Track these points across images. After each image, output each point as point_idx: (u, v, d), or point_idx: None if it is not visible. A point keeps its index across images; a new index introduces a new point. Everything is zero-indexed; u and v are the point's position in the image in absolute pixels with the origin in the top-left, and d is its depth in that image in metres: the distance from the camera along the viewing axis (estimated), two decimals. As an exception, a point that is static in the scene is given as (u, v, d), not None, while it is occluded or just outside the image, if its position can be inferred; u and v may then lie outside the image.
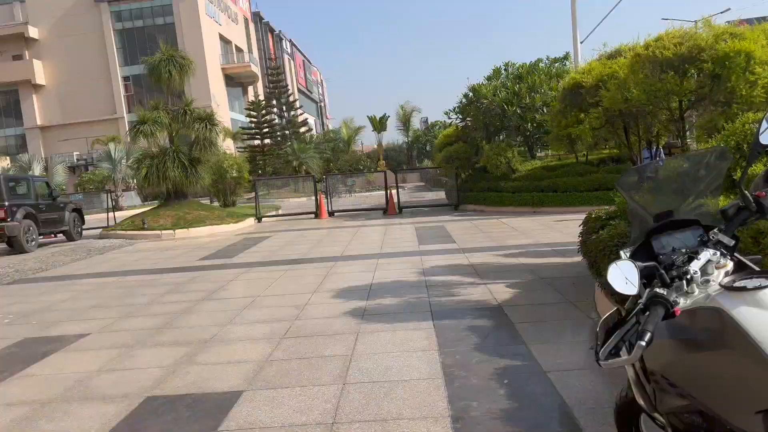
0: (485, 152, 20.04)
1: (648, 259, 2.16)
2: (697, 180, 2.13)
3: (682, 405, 1.81)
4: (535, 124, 20.05)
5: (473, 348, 5.10)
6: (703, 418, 1.77)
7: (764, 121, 1.90)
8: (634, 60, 6.17)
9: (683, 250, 1.92)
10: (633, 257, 2.16)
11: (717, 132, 6.24)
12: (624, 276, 1.68)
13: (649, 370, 1.90)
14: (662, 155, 11.30)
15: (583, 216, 7.34)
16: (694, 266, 1.82)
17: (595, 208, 7.31)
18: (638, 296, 2.02)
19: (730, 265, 1.95)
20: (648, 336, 1.56)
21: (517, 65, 21.84)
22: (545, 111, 19.98)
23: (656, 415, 2.05)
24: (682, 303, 1.71)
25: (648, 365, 1.81)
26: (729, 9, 22.10)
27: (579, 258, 9.04)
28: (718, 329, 1.59)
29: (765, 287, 1.55)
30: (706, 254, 1.89)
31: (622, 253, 2.31)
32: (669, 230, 2.14)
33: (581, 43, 26.77)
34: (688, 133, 6.44)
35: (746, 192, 1.90)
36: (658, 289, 1.68)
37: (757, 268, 1.92)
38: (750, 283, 1.59)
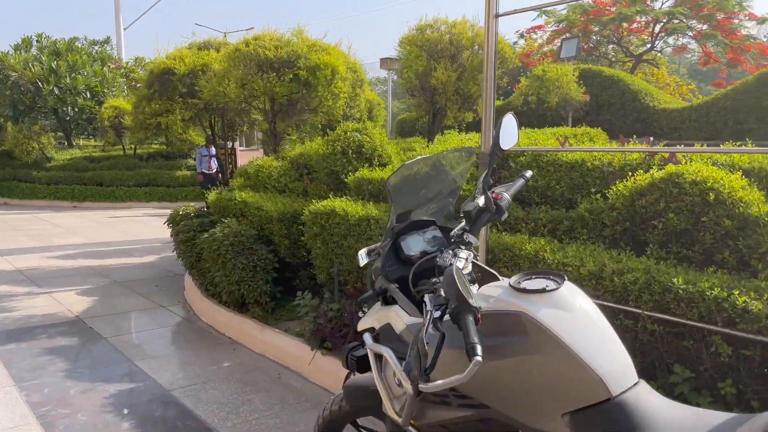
0: (11, 134, 16.85)
1: (396, 260, 2.03)
2: (440, 180, 2.10)
3: (460, 416, 1.72)
4: (76, 109, 17.92)
5: (65, 375, 4.07)
6: (484, 425, 1.72)
7: (501, 128, 1.99)
8: (234, 54, 6.06)
9: (449, 252, 1.85)
10: (385, 260, 2.00)
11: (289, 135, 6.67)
12: (466, 285, 1.47)
13: (431, 384, 1.74)
14: (213, 152, 11.61)
15: (133, 212, 6.87)
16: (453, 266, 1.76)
17: (182, 205, 6.90)
18: (420, 304, 1.86)
19: (470, 265, 1.97)
20: (479, 349, 1.39)
21: (54, 39, 19.14)
22: (89, 95, 18.12)
23: (411, 429, 1.92)
24: (484, 308, 1.62)
25: (421, 389, 1.64)
26: (252, 28, 24.64)
27: (152, 258, 8.47)
28: (522, 333, 1.55)
29: (558, 287, 1.58)
30: (464, 254, 1.85)
31: (360, 255, 2.11)
32: (412, 231, 2.05)
33: (125, 29, 25.51)
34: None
35: (489, 194, 1.95)
36: (468, 298, 1.54)
37: (487, 268, 2.00)
38: (545, 281, 1.61)
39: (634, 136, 3.89)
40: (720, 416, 1.40)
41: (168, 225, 6.61)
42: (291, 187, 5.50)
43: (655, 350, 2.66)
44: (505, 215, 2.03)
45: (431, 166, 2.05)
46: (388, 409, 1.92)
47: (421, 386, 1.50)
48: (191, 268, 5.78)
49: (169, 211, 7.08)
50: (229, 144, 9.89)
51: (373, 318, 2.09)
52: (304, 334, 4.26)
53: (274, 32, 6.29)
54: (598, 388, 1.47)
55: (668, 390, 2.63)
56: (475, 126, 7.24)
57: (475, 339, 1.42)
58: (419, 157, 2.01)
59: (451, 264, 1.82)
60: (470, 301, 1.43)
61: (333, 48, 6.50)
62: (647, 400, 1.49)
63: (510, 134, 2.03)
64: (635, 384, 1.52)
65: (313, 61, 6.06)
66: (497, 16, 3.09)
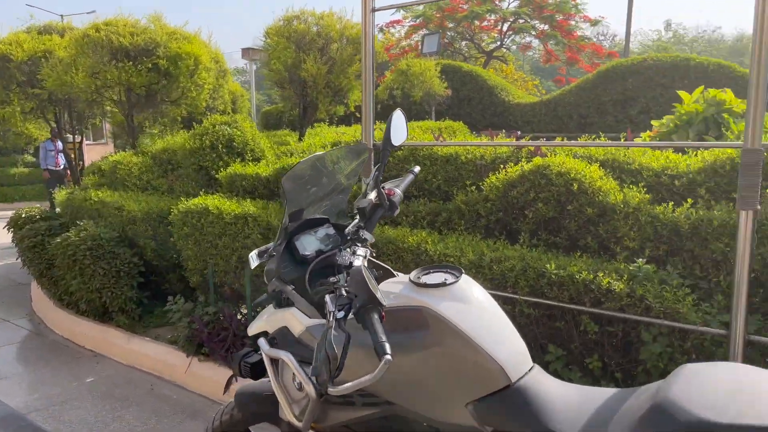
0: None
1: (291, 261, 1.96)
2: (332, 177, 2.06)
3: (365, 415, 1.72)
4: None
5: None
6: (388, 422, 1.72)
7: (391, 125, 2.00)
8: (83, 41, 5.50)
9: (348, 250, 1.82)
10: (279, 261, 1.92)
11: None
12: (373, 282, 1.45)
13: (335, 386, 1.71)
14: (60, 147, 10.57)
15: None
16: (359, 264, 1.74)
17: (23, 206, 6.22)
18: (317, 302, 1.81)
19: (366, 262, 1.96)
20: (389, 347, 1.39)
21: None
22: None
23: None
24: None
25: (330, 393, 1.60)
26: (94, 11, 22.90)
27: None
28: (424, 327, 1.57)
29: (456, 280, 1.62)
30: (361, 252, 1.84)
31: (251, 257, 2.02)
32: (305, 230, 2.00)
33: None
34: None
35: (382, 190, 1.96)
36: (377, 293, 1.52)
37: (383, 264, 2.01)
38: (443, 275, 1.64)
39: (503, 131, 4.12)
40: (607, 392, 1.51)
41: (8, 229, 5.93)
42: (154, 185, 5.16)
43: (531, 332, 2.84)
44: (398, 210, 2.05)
45: (324, 164, 2.00)
46: (288, 414, 1.86)
47: (331, 390, 1.47)
48: (41, 276, 5.22)
49: (6, 213, 6.35)
50: (77, 138, 9.03)
51: (265, 322, 2.01)
52: (178, 340, 4.02)
53: (129, 18, 5.83)
54: (498, 376, 1.53)
55: (543, 368, 2.82)
56: (344, 120, 7.28)
57: (383, 337, 1.41)
58: (313, 155, 1.95)
59: (351, 263, 1.78)
60: (379, 298, 1.42)
61: (194, 37, 6.16)
62: (542, 383, 1.57)
63: (399, 130, 2.05)
64: (531, 369, 1.61)
65: (173, 50, 5.71)
66: (374, 10, 3.10)
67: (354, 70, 5.88)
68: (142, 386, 3.86)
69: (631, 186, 2.90)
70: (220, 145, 4.66)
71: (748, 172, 2.09)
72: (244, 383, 2.25)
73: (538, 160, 3.07)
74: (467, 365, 1.54)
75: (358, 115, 7.49)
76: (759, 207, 2.13)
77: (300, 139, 6.01)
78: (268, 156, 4.78)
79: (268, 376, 2.01)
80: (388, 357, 1.37)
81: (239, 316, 3.93)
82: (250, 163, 4.55)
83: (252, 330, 2.07)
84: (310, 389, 1.71)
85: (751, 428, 1.14)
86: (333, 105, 6.02)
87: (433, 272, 1.69)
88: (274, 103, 18.55)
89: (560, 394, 1.54)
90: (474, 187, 3.30)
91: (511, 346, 1.59)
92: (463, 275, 1.67)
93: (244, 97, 10.95)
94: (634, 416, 1.33)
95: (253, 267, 2.00)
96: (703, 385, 1.29)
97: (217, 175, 4.48)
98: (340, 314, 1.53)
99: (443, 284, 1.61)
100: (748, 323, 2.26)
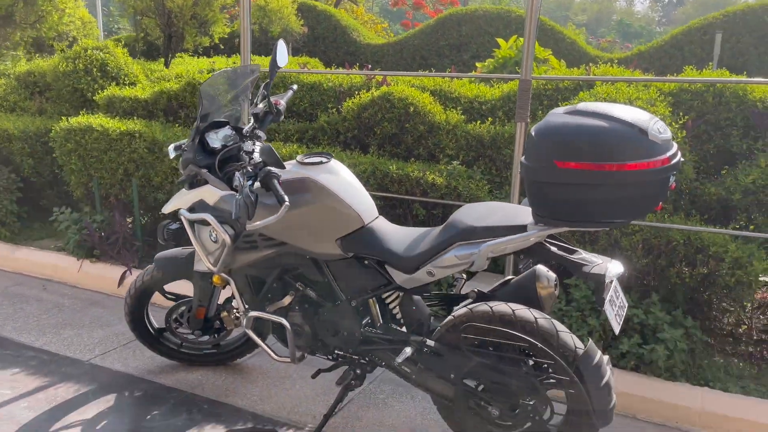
0: None
1: (203, 152, 2.61)
2: (232, 90, 2.70)
3: (265, 255, 2.48)
4: None
5: None
6: (281, 258, 2.50)
7: (276, 50, 2.69)
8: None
9: (250, 142, 2.52)
10: (194, 152, 2.56)
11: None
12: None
13: (244, 234, 2.44)
14: None
15: None
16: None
17: None
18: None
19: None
20: (287, 198, 2.16)
21: None
22: None
23: (223, 275, 2.61)
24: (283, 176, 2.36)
25: (247, 229, 2.34)
26: None
27: None
28: (308, 191, 2.35)
29: (328, 161, 2.41)
30: (259, 145, 2.56)
31: (169, 150, 2.64)
32: (211, 129, 2.66)
33: None
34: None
35: (272, 100, 2.67)
36: (270, 168, 2.24)
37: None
38: (319, 158, 2.42)
39: (357, 64, 4.89)
40: (423, 230, 2.41)
41: None
42: (22, 106, 5.29)
43: (378, 219, 3.74)
44: (282, 117, 2.77)
45: (228, 78, 2.65)
46: (205, 263, 2.57)
47: (248, 227, 2.21)
48: None
49: None
50: None
51: (180, 200, 2.67)
52: (67, 247, 4.42)
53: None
54: (356, 221, 2.37)
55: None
56: (206, 52, 7.57)
57: (282, 192, 2.18)
58: (223, 70, 2.60)
59: (254, 150, 2.49)
60: (282, 162, 2.17)
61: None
62: (384, 226, 2.44)
63: (282, 55, 2.74)
64: (377, 217, 2.46)
65: (31, -30, 5.68)
66: (250, -44, 3.66)
67: (219, 3, 6.24)
68: (35, 287, 4.25)
69: (452, 109, 3.85)
70: (95, 69, 4.94)
71: (521, 95, 3.07)
72: (160, 253, 2.90)
73: (384, 88, 3.91)
74: (336, 214, 2.35)
75: (222, 47, 7.84)
76: (528, 121, 3.14)
77: (166, 68, 6.31)
78: (143, 81, 5.14)
79: (184, 243, 2.70)
80: (287, 203, 2.14)
81: (128, 222, 4.42)
82: (126, 87, 4.90)
83: (168, 208, 2.72)
84: (225, 237, 2.44)
85: (494, 227, 2.09)
86: (199, 36, 6.35)
87: (312, 156, 2.46)
88: (116, 33, 17.64)
89: (396, 232, 2.42)
90: (334, 109, 4.07)
91: (365, 202, 2.43)
92: (333, 159, 2.46)
93: (92, 23, 10.58)
94: (436, 233, 2.25)
95: (172, 157, 2.64)
96: (474, 210, 2.23)
97: (93, 98, 4.79)
98: (248, 183, 2.26)
99: (320, 163, 2.40)
100: (520, 203, 3.31)
